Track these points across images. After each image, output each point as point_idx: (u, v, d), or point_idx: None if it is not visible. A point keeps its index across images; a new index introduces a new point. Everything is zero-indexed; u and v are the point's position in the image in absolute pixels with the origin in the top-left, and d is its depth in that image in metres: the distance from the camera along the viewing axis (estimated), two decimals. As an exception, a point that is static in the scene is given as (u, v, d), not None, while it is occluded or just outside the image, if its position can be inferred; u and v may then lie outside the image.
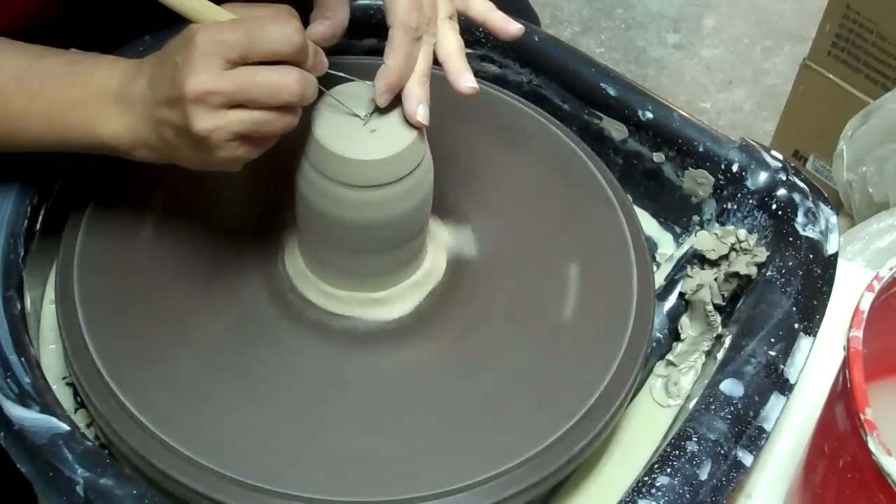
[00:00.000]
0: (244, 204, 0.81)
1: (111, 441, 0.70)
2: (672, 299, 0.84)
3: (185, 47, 0.63)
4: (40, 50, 0.72)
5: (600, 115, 0.90)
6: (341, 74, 0.70)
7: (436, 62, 0.71)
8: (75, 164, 0.81)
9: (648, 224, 0.91)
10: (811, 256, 0.78)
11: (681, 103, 1.62)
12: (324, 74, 0.68)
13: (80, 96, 0.69)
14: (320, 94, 0.69)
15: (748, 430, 0.69)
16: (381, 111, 0.70)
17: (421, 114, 0.69)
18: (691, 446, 0.68)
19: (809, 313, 0.75)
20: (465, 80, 0.71)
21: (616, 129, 0.90)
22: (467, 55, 0.72)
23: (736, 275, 0.81)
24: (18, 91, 0.70)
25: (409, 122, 0.70)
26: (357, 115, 0.70)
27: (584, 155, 0.87)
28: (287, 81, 0.63)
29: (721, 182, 0.85)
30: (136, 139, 0.68)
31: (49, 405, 0.67)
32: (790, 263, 0.78)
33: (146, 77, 0.66)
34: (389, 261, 0.76)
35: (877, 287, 0.69)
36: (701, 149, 0.86)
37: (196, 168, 0.68)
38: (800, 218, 0.81)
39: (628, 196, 0.87)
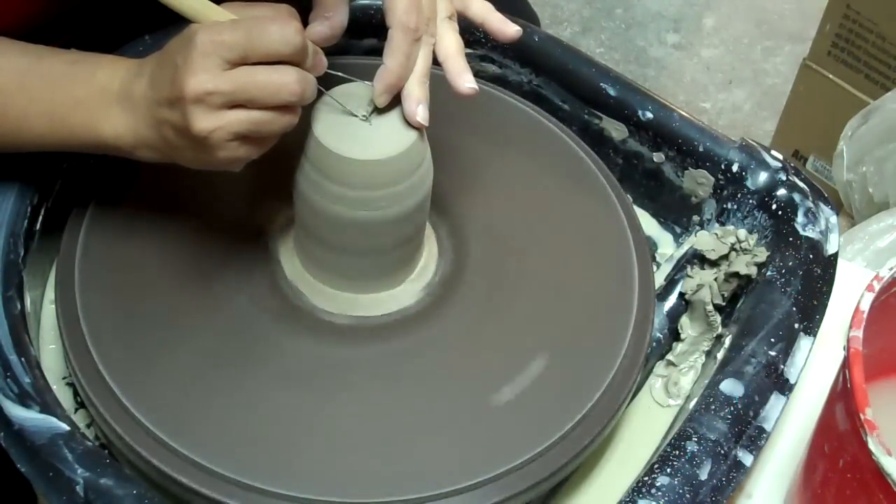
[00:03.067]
0: (244, 204, 0.81)
1: (111, 441, 0.70)
2: (672, 299, 0.84)
3: (185, 48, 0.63)
4: (41, 50, 0.72)
5: (600, 115, 0.90)
6: (341, 74, 0.70)
7: (436, 62, 0.71)
8: (76, 163, 0.81)
9: (648, 224, 0.91)
10: (811, 256, 0.78)
11: (681, 103, 1.62)
12: (323, 74, 0.68)
13: (82, 96, 0.69)
14: (320, 94, 0.69)
15: (748, 430, 0.69)
16: (381, 111, 0.70)
17: (420, 114, 0.69)
18: (691, 446, 0.67)
19: (809, 313, 0.75)
20: (464, 80, 0.71)
21: (616, 129, 0.90)
22: (467, 55, 0.72)
23: (736, 275, 0.81)
24: (20, 91, 0.70)
25: (409, 123, 0.70)
26: (357, 116, 0.70)
27: (584, 155, 0.87)
28: (286, 81, 0.63)
29: (721, 182, 0.85)
30: (137, 139, 0.68)
31: (49, 405, 0.67)
32: (790, 263, 0.78)
33: (147, 77, 0.66)
34: (388, 261, 0.76)
35: (877, 287, 0.69)
36: (701, 149, 0.86)
37: (197, 168, 0.68)
38: (800, 218, 0.81)
39: (628, 196, 0.87)
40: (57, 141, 0.71)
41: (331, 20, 0.70)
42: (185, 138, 0.65)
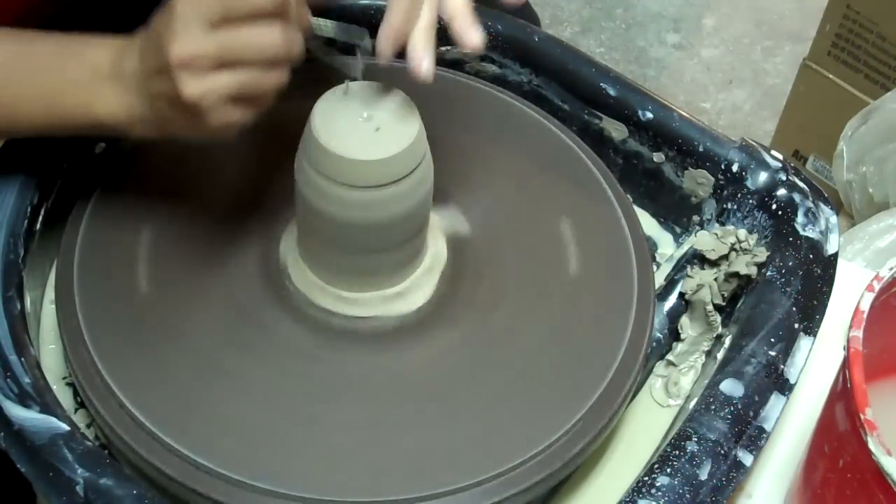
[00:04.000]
0: (244, 204, 0.81)
1: (111, 441, 0.70)
2: (672, 299, 0.84)
3: (168, 15, 0.63)
4: (31, 35, 0.72)
5: (600, 115, 0.90)
6: (330, 24, 0.69)
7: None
8: (76, 163, 0.81)
9: (648, 224, 0.91)
10: (811, 256, 0.78)
11: (681, 103, 1.61)
12: (319, 65, 0.68)
13: (75, 78, 0.69)
14: (321, 89, 0.69)
15: (748, 430, 0.69)
16: (381, 111, 0.70)
17: (425, 66, 0.66)
18: (691, 446, 0.67)
19: (809, 313, 0.75)
20: (469, 37, 0.67)
21: (616, 129, 0.90)
22: (467, 55, 0.72)
23: (736, 275, 0.81)
24: (12, 77, 0.70)
25: (414, 76, 0.66)
26: (357, 116, 0.70)
27: (585, 155, 0.87)
28: (271, 37, 0.63)
29: (721, 182, 0.85)
30: (132, 116, 0.68)
31: (49, 405, 0.67)
32: (790, 263, 0.78)
33: (137, 52, 0.67)
34: (389, 261, 0.76)
35: (877, 287, 0.69)
36: (701, 149, 0.86)
37: (195, 138, 0.67)
38: (800, 218, 0.81)
39: (628, 196, 0.87)
40: (53, 124, 0.71)
41: None
42: (177, 107, 0.65)
